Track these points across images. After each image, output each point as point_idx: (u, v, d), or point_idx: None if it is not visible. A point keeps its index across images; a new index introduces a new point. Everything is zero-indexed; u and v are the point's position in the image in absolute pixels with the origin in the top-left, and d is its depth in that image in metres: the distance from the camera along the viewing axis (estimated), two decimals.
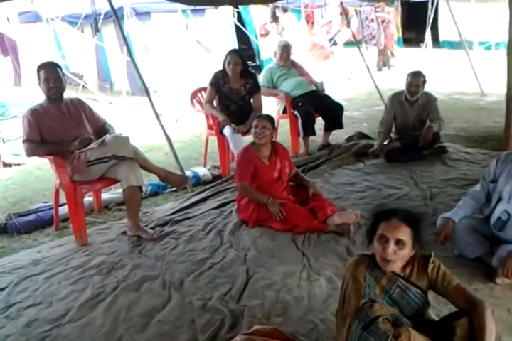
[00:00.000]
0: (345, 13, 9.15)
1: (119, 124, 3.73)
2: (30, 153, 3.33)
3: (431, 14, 11.77)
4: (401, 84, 4.93)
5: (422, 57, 10.34)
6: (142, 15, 8.99)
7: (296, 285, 2.69)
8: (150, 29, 9.10)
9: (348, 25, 9.77)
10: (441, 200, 3.72)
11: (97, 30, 6.42)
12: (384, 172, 4.42)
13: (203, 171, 4.50)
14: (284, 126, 5.32)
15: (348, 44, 11.99)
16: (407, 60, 11.39)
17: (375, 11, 10.90)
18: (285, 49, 5.17)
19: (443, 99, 6.50)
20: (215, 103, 4.65)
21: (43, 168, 4.97)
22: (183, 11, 9.04)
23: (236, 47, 9.87)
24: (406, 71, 4.94)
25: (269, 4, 10.06)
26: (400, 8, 14.26)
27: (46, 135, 3.32)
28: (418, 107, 4.70)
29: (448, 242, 2.84)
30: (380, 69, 10.79)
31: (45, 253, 3.22)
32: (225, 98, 4.55)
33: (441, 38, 14.64)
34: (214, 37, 9.71)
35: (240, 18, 10.65)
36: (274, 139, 3.73)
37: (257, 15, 11.01)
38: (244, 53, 5.47)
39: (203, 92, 4.82)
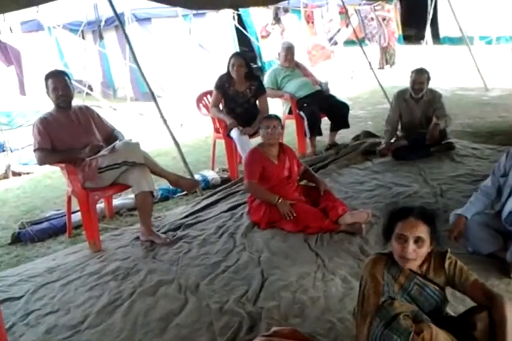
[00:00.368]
0: (345, 11, 9.15)
1: (124, 130, 3.74)
2: (42, 161, 3.35)
3: (430, 10, 11.75)
4: (404, 82, 4.94)
5: (423, 54, 10.34)
6: (143, 20, 9.03)
7: (312, 285, 2.70)
8: (151, 34, 9.14)
9: (348, 24, 9.78)
10: (451, 197, 3.72)
11: (100, 36, 6.43)
12: (392, 171, 4.43)
13: (211, 175, 4.52)
14: (290, 127, 5.33)
15: (347, 43, 12.00)
16: (409, 57, 11.40)
17: (375, 10, 10.92)
18: (289, 50, 5.19)
19: (447, 96, 6.49)
20: (220, 106, 4.67)
21: (52, 177, 5.01)
22: (185, 16, 9.07)
23: (237, 49, 9.90)
24: (408, 68, 4.95)
25: (271, 6, 10.08)
26: (398, 6, 14.27)
27: (56, 143, 3.34)
28: (424, 104, 4.71)
29: (461, 239, 2.84)
30: (381, 67, 10.80)
31: (60, 260, 3.24)
32: (231, 101, 4.57)
33: (442, 34, 14.62)
34: (215, 40, 9.73)
35: (240, 21, 10.67)
36: (280, 140, 3.73)
37: (257, 17, 11.03)
38: (247, 55, 5.49)
39: (208, 96, 4.84)
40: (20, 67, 6.92)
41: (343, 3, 8.76)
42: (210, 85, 4.72)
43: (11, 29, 7.26)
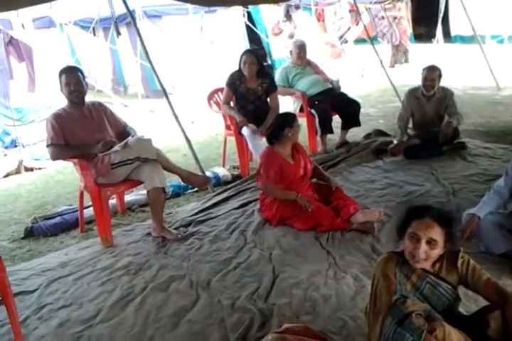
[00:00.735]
0: (356, 9, 9.12)
1: (136, 127, 3.76)
2: (55, 156, 3.38)
3: (442, 8, 11.65)
4: (415, 80, 4.91)
5: (434, 53, 10.27)
6: (153, 18, 9.05)
7: (323, 283, 2.69)
8: (162, 31, 9.15)
9: (359, 22, 9.74)
10: (464, 196, 3.70)
11: (118, 32, 6.44)
12: (404, 169, 4.40)
13: (222, 171, 4.53)
14: (300, 125, 5.30)
15: (358, 41, 11.96)
16: (420, 55, 11.32)
17: (385, 9, 10.85)
18: (302, 48, 5.18)
19: (459, 95, 6.44)
20: (232, 103, 4.67)
21: (64, 172, 5.04)
22: (196, 13, 9.07)
23: (248, 47, 9.90)
24: (419, 67, 4.91)
25: (281, 3, 10.06)
26: (409, 4, 14.17)
27: (70, 139, 3.36)
28: (435, 102, 4.67)
29: (474, 238, 2.83)
30: (392, 66, 10.75)
31: (72, 255, 3.27)
32: (242, 98, 4.57)
33: (453, 32, 14.51)
34: (226, 37, 9.74)
35: (249, 18, 10.66)
36: None
37: (267, 14, 11.02)
38: (259, 53, 5.48)
39: (219, 93, 4.85)
40: (32, 63, 6.96)
41: (355, 1, 8.73)
42: (221, 82, 4.72)
43: (23, 25, 7.29)
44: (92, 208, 3.48)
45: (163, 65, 8.65)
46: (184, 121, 5.49)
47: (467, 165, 4.41)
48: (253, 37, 10.89)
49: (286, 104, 5.51)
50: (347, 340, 2.22)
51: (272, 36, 11.10)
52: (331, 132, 5.06)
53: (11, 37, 6.58)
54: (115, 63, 9.95)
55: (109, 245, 3.33)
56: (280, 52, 10.67)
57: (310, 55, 5.55)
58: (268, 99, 4.64)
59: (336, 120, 5.19)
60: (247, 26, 10.45)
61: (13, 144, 5.77)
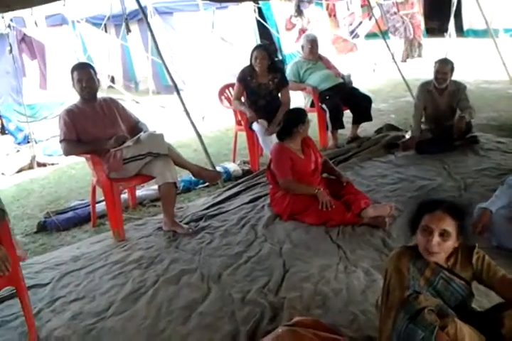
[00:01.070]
0: (368, 4, 9.04)
1: (147, 122, 3.79)
2: (68, 152, 3.42)
3: (454, 2, 11.51)
4: (427, 75, 4.86)
5: (446, 47, 10.16)
6: (165, 14, 9.06)
7: (334, 277, 2.69)
8: (173, 28, 9.17)
9: (371, 17, 9.66)
10: (476, 191, 3.66)
11: (128, 29, 6.49)
12: (415, 164, 4.37)
13: (233, 167, 4.54)
14: (311, 120, 5.28)
15: (369, 36, 11.87)
16: (432, 50, 11.21)
17: (397, 6, 10.75)
18: (313, 43, 5.16)
19: (471, 89, 6.36)
20: (243, 99, 4.67)
21: (76, 167, 5.10)
22: (207, 9, 9.07)
23: (259, 42, 9.88)
24: (431, 61, 4.87)
25: None
26: None
27: (82, 134, 3.39)
28: (448, 95, 4.62)
29: (486, 233, 2.81)
30: (404, 60, 10.66)
31: (84, 249, 3.31)
32: (253, 93, 4.57)
33: (466, 26, 14.33)
34: (237, 33, 9.73)
35: (260, 14, 10.63)
36: None
37: (278, 9, 10.97)
38: (270, 48, 5.47)
39: (230, 89, 4.85)
40: (44, 60, 7.03)
41: None
42: (232, 78, 4.72)
43: (36, 23, 7.36)
44: (104, 203, 3.52)
45: (175, 61, 8.67)
46: (195, 117, 5.53)
47: (479, 160, 4.36)
48: (264, 32, 10.86)
49: (298, 99, 5.49)
50: (357, 334, 2.21)
51: (284, 31, 11.05)
52: (342, 127, 5.04)
53: (24, 34, 6.65)
54: (126, 60, 9.99)
55: (120, 239, 3.36)
56: (291, 47, 10.62)
57: (321, 50, 5.53)
58: (279, 94, 4.63)
59: (347, 115, 5.17)
60: (258, 22, 10.43)
61: (26, 140, 5.84)
